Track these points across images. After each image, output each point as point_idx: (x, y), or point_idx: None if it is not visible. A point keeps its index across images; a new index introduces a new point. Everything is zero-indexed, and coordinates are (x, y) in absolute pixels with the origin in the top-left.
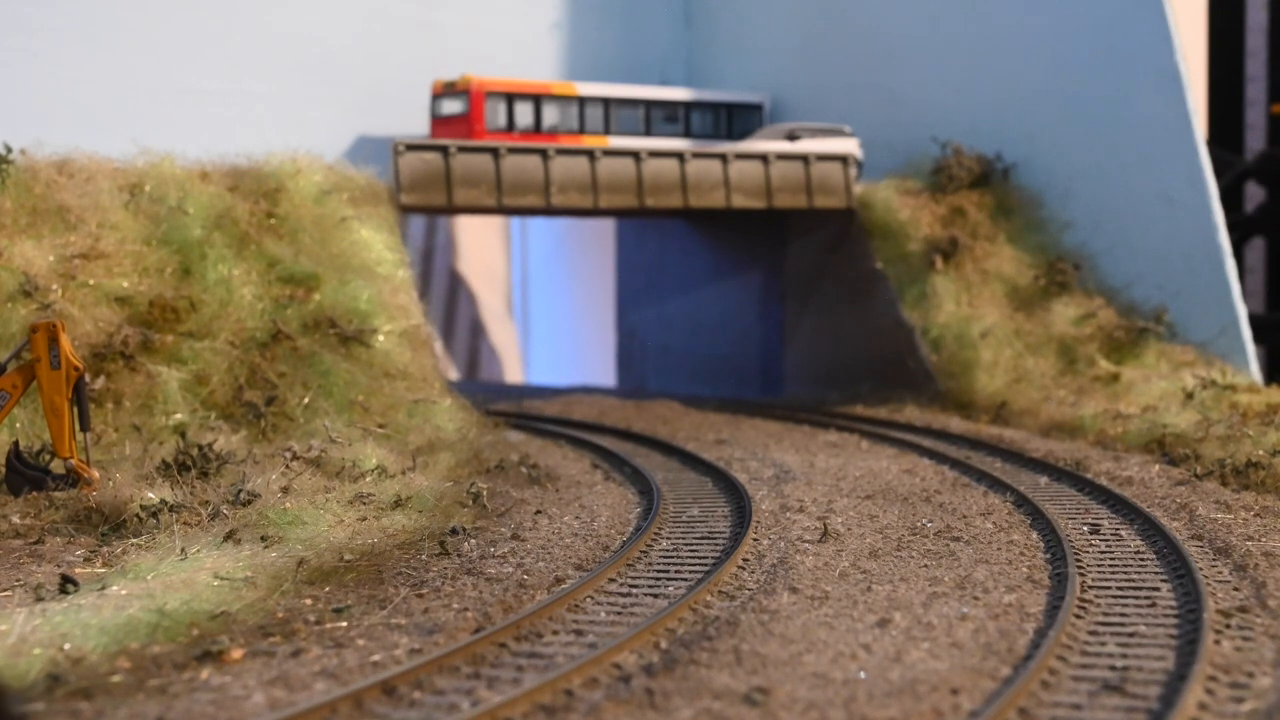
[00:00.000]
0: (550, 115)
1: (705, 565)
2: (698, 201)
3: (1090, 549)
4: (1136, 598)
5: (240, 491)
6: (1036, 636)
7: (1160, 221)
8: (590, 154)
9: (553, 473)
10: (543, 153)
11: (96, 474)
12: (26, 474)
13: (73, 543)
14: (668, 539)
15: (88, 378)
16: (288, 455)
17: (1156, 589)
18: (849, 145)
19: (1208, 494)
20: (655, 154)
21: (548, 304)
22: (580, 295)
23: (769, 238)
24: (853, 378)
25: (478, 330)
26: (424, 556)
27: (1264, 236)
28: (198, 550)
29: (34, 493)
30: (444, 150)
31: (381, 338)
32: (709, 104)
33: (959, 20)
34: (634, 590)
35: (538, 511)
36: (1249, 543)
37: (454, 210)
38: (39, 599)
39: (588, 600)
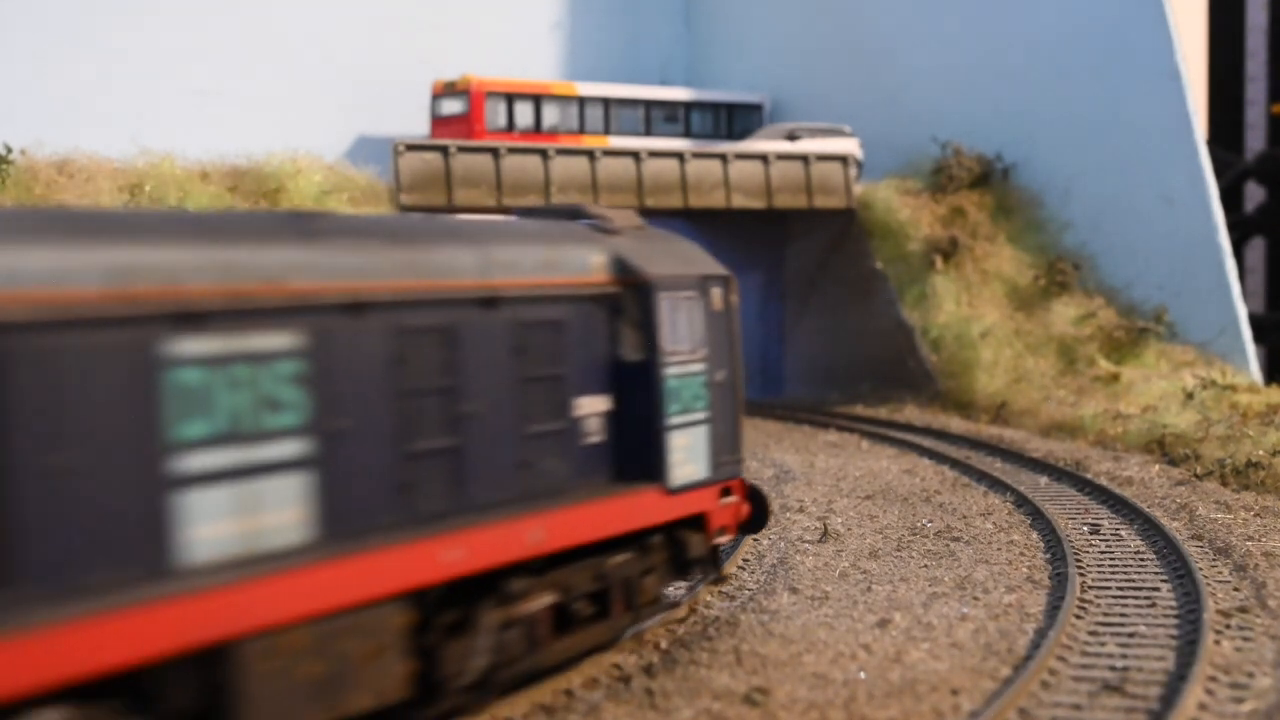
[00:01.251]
0: (550, 115)
1: None
2: (698, 201)
3: (1090, 549)
4: (1136, 598)
5: None
6: (1036, 637)
7: (1160, 221)
8: (590, 154)
9: None
10: (543, 153)
11: None
12: None
13: None
14: None
15: None
16: None
17: (1156, 589)
18: (849, 145)
19: (1208, 494)
20: (655, 154)
21: None
22: None
23: (769, 238)
24: (853, 378)
25: None
26: None
27: (1264, 236)
28: None
29: None
30: (444, 150)
31: None
32: (709, 104)
33: (959, 20)
34: None
35: None
36: (1249, 543)
37: (454, 210)
38: None
39: None
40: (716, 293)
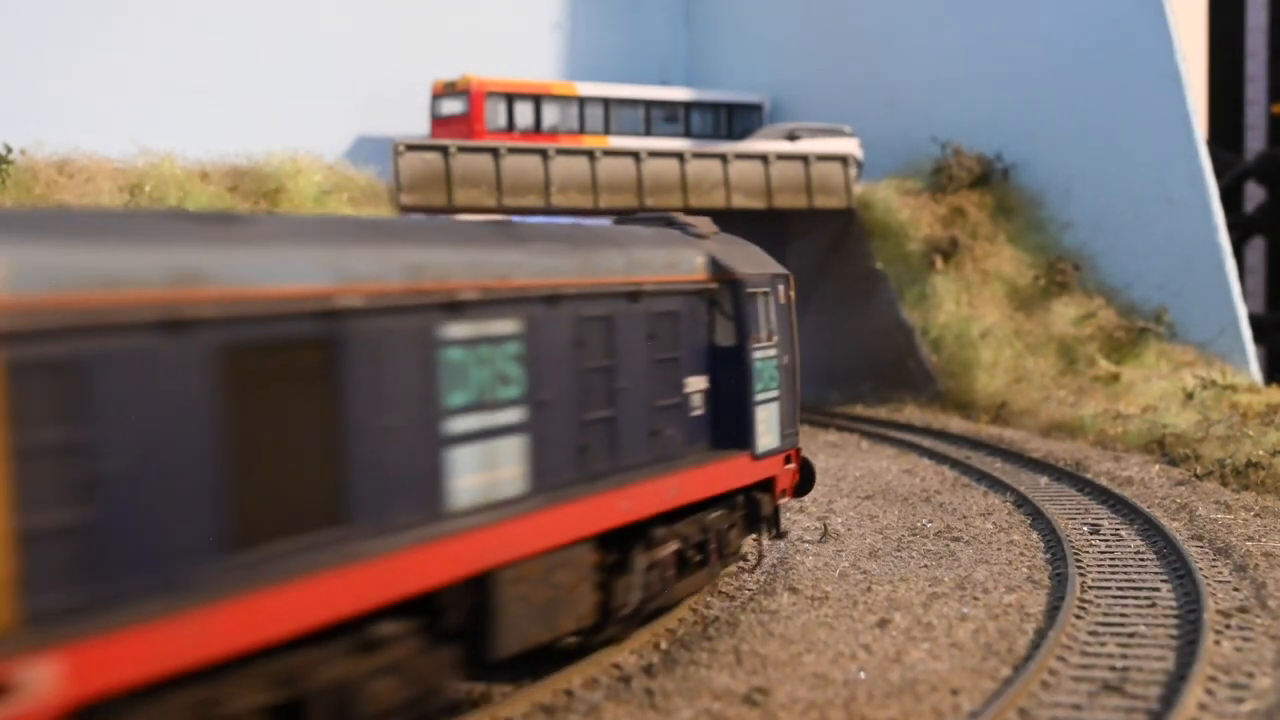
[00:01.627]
0: (550, 115)
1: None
2: (698, 201)
3: (1090, 549)
4: (1136, 598)
5: None
6: (1036, 637)
7: (1160, 221)
8: (590, 154)
9: None
10: (543, 153)
11: None
12: None
13: None
14: None
15: None
16: None
17: (1156, 589)
18: (849, 145)
19: (1208, 494)
20: (655, 154)
21: None
22: None
23: (769, 238)
24: (853, 378)
25: None
26: None
27: (1264, 236)
28: None
29: None
30: (444, 150)
31: None
32: (709, 104)
33: (959, 20)
34: None
35: None
36: (1249, 543)
37: (454, 210)
38: None
39: None
40: (781, 289)
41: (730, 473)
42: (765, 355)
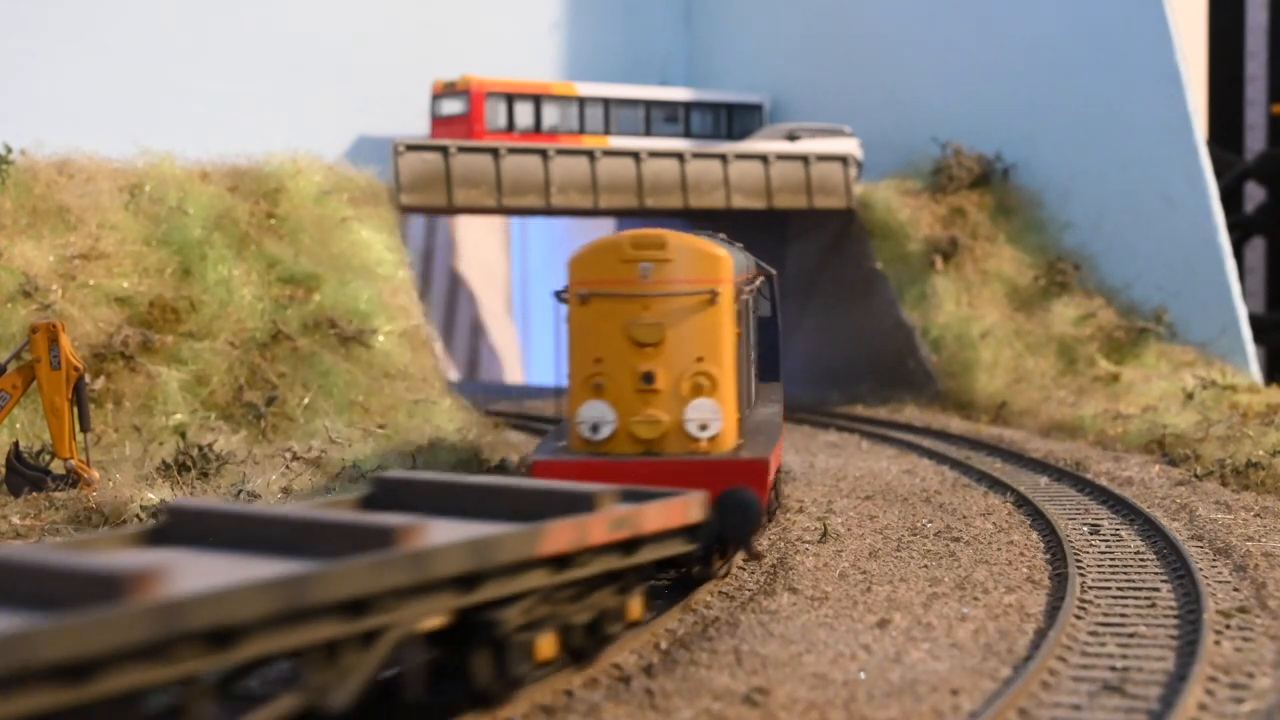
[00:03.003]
0: (550, 115)
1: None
2: (698, 202)
3: (1090, 549)
4: (1136, 598)
5: (241, 492)
6: (1036, 637)
7: (1160, 221)
8: (590, 154)
9: None
10: (543, 153)
11: (96, 474)
12: (26, 474)
13: None
14: None
15: (88, 378)
16: (288, 455)
17: (1156, 589)
18: (849, 145)
19: (1208, 494)
20: (655, 154)
21: (548, 304)
22: None
23: (769, 238)
24: (853, 378)
25: (478, 330)
26: None
27: (1264, 236)
28: None
29: (34, 493)
30: (444, 150)
31: (381, 338)
32: (709, 104)
33: (959, 20)
34: None
35: None
36: (1249, 543)
37: (454, 210)
38: None
39: None
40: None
41: (778, 389)
42: (780, 323)
